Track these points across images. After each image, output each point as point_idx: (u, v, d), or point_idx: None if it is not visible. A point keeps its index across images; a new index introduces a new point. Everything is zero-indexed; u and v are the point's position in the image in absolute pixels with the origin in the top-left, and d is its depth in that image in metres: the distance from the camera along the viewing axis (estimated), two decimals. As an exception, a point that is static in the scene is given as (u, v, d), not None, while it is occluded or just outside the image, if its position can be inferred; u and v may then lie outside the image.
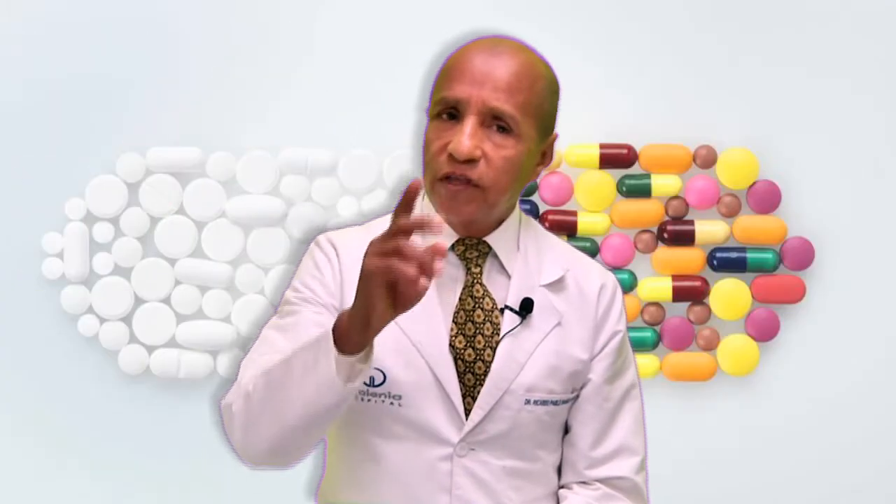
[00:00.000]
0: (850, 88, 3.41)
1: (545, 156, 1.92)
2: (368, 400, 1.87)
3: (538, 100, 1.86)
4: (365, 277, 1.61)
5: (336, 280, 1.89)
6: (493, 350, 1.86)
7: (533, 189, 3.40)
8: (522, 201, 3.39)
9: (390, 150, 3.38)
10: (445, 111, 1.83)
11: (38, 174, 3.44)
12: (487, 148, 1.80)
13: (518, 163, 1.83)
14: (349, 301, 1.77)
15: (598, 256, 3.40)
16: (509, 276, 1.90)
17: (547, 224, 3.37)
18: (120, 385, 3.47)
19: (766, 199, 3.40)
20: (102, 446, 3.47)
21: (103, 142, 3.42)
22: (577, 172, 3.41)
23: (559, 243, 1.99)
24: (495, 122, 1.81)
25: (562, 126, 3.45)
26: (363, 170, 3.41)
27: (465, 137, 1.78)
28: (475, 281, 1.88)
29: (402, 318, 1.83)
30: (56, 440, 3.48)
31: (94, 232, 3.43)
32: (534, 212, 3.38)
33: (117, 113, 3.42)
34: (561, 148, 3.39)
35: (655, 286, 3.40)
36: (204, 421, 3.43)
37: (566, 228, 3.39)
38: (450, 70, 1.85)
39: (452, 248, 1.89)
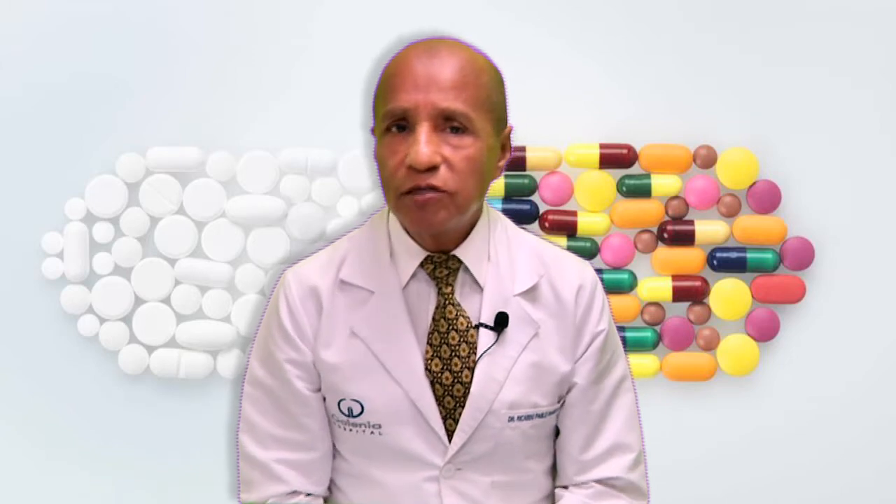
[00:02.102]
0: (851, 88, 3.41)
1: (504, 149, 1.85)
2: (350, 429, 1.85)
3: (486, 92, 1.77)
4: None
5: (312, 328, 1.85)
6: (471, 370, 1.82)
7: (533, 189, 3.39)
8: (523, 201, 3.39)
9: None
10: (394, 124, 1.75)
11: (38, 174, 3.43)
12: (447, 152, 1.73)
13: (480, 161, 1.76)
14: (325, 342, 1.83)
15: (598, 256, 3.40)
16: (482, 289, 1.85)
17: (547, 224, 3.37)
18: (120, 385, 3.46)
19: (766, 199, 3.40)
20: (102, 446, 3.46)
21: (103, 142, 3.42)
22: (577, 172, 3.41)
23: (531, 241, 1.93)
24: (448, 123, 1.73)
25: (562, 126, 3.49)
26: (363, 170, 3.41)
27: (422, 146, 1.71)
28: (447, 302, 1.83)
29: (376, 345, 1.81)
30: (56, 440, 3.47)
31: (94, 232, 3.43)
32: (534, 212, 3.38)
33: (117, 113, 3.42)
34: (561, 148, 3.39)
35: (655, 286, 3.40)
36: (204, 421, 3.43)
37: (566, 228, 3.38)
38: (389, 81, 1.78)
39: (422, 265, 1.84)
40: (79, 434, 3.47)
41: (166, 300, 3.44)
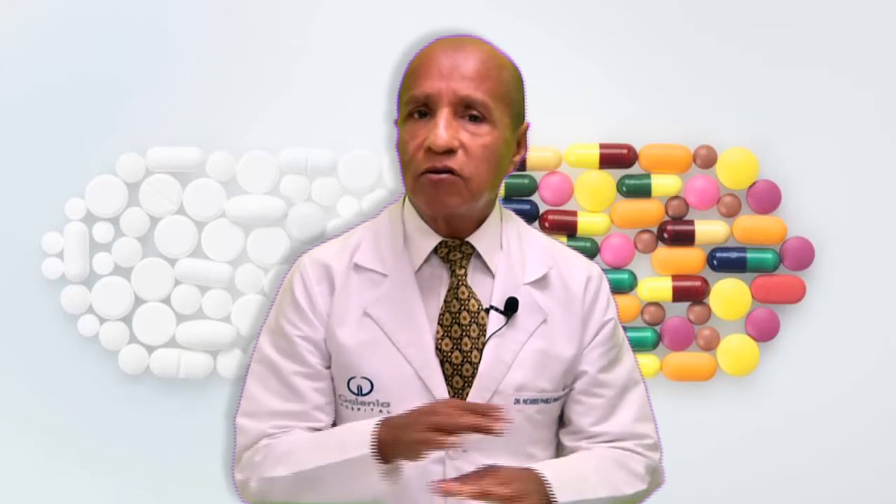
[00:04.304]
0: (850, 88, 3.41)
1: (520, 146, 1.92)
2: (357, 409, 1.88)
3: (506, 87, 1.85)
4: (415, 446, 1.73)
5: (326, 307, 1.90)
6: (480, 352, 1.87)
7: (533, 189, 3.40)
8: (523, 201, 3.39)
9: (390, 150, 3.38)
10: (416, 110, 1.83)
11: (38, 174, 3.44)
12: (464, 138, 1.80)
13: (496, 150, 1.83)
14: (338, 321, 1.85)
15: (598, 256, 3.40)
16: (493, 276, 1.90)
17: (547, 224, 3.37)
18: (120, 385, 3.46)
19: (766, 199, 3.40)
20: (102, 446, 3.46)
21: (103, 142, 3.42)
22: (577, 172, 3.41)
23: (541, 238, 1.99)
24: (468, 111, 1.81)
25: (562, 126, 3.49)
26: (363, 170, 3.41)
27: (441, 129, 1.79)
28: (460, 283, 1.88)
29: (388, 324, 1.86)
30: (56, 440, 3.47)
31: (94, 232, 3.43)
32: (534, 212, 3.38)
33: (117, 113, 3.42)
34: (561, 148, 3.39)
35: (655, 286, 3.40)
36: (204, 421, 3.43)
37: (566, 228, 3.38)
38: (415, 70, 1.85)
39: (435, 250, 1.90)
40: (79, 434, 3.47)
41: (166, 300, 3.45)
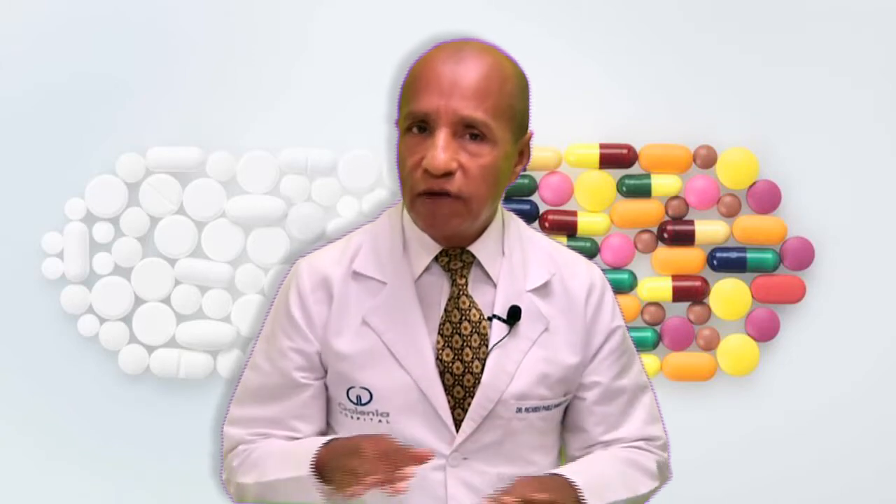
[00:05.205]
0: (851, 88, 3.41)
1: (522, 155, 1.87)
2: (357, 418, 1.87)
3: (509, 100, 1.79)
4: (339, 486, 1.74)
5: (322, 318, 1.88)
6: (482, 361, 1.84)
7: (533, 189, 3.40)
8: (523, 201, 3.39)
9: (390, 151, 3.38)
10: (415, 125, 1.78)
11: (38, 174, 3.44)
12: (463, 159, 1.75)
13: (496, 169, 1.78)
14: (336, 330, 1.85)
15: (598, 256, 3.40)
16: (495, 284, 1.87)
17: (547, 224, 3.37)
18: (120, 385, 3.46)
19: (766, 199, 3.40)
20: (102, 446, 3.47)
21: (103, 142, 3.42)
22: (577, 172, 3.41)
23: (543, 242, 1.96)
24: (468, 130, 1.75)
25: (562, 126, 3.49)
26: (363, 170, 3.41)
27: (439, 151, 1.73)
28: (461, 293, 1.86)
29: (387, 334, 1.84)
30: (56, 440, 3.47)
31: (94, 232, 3.43)
32: (534, 212, 3.38)
33: (117, 113, 3.42)
34: (561, 148, 3.39)
35: (655, 286, 3.40)
36: (204, 421, 3.43)
37: (566, 228, 3.38)
38: (415, 81, 1.79)
39: (436, 259, 1.87)
40: (79, 434, 3.47)
41: (166, 300, 3.45)
